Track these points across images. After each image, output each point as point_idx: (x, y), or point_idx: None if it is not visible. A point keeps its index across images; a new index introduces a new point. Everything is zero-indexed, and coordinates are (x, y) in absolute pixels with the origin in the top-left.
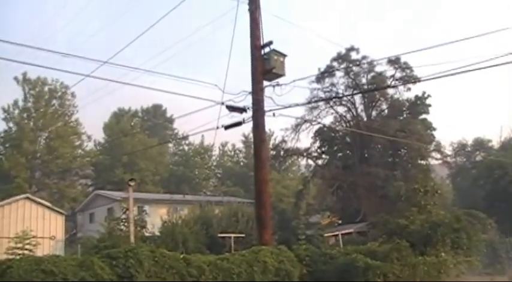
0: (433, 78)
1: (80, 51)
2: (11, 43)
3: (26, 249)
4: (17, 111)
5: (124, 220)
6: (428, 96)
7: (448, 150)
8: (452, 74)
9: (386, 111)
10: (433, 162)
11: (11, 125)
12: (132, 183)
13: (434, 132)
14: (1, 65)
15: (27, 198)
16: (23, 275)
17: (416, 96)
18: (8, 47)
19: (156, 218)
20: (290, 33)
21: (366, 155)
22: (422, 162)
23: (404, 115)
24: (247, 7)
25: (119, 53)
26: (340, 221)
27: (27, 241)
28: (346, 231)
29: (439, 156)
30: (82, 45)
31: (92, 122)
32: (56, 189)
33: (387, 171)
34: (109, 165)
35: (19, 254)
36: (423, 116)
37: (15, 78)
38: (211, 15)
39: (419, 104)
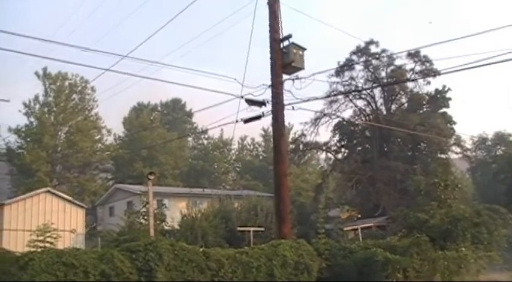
0: (453, 72)
1: (99, 46)
2: (31, 38)
3: (47, 242)
4: (37, 106)
5: (144, 214)
6: (448, 89)
7: (468, 144)
8: (473, 67)
9: (406, 104)
10: (453, 156)
11: (32, 119)
12: (151, 177)
13: (454, 126)
14: (22, 59)
15: (48, 191)
16: (44, 267)
17: (436, 90)
18: (28, 42)
19: (175, 212)
20: (309, 26)
21: (386, 149)
22: (442, 156)
23: (424, 109)
24: (266, 0)
25: (138, 47)
26: (359, 215)
27: (48, 234)
28: (366, 225)
29: (459, 150)
30: (102, 39)
31: (111, 116)
32: (76, 183)
33: (407, 165)
34: (129, 159)
35: (40, 247)
36: (443, 109)
37: (36, 73)
38: (230, 9)
39: (439, 98)
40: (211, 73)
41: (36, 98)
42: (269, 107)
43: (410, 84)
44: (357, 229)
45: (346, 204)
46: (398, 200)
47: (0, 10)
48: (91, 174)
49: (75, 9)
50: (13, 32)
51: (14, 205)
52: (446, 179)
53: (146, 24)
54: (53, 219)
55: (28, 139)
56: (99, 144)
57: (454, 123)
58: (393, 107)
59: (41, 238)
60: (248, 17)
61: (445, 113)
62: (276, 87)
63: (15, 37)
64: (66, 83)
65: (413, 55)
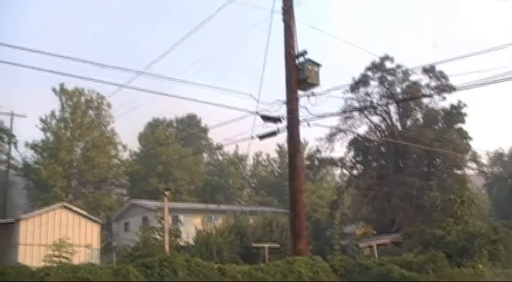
0: (468, 87)
1: (116, 62)
2: (49, 54)
3: (63, 257)
4: (54, 122)
5: (159, 229)
6: (464, 105)
7: (485, 160)
8: (489, 83)
9: (421, 120)
10: (469, 172)
11: (48, 135)
12: (167, 193)
13: (470, 142)
14: (39, 76)
15: (64, 206)
16: None
17: (452, 105)
18: (46, 58)
19: (190, 228)
20: (323, 41)
21: (401, 165)
22: (458, 172)
23: (440, 124)
24: (281, 17)
25: (154, 63)
26: (374, 232)
27: (64, 249)
28: (381, 241)
29: (475, 166)
30: (119, 56)
31: (127, 131)
32: (92, 198)
33: (422, 181)
34: (144, 175)
35: (56, 262)
36: (459, 125)
37: (53, 89)
38: (245, 26)
39: (455, 113)
40: (226, 89)
41: (53, 113)
42: (284, 123)
43: (425, 100)
44: (372, 245)
45: (362, 221)
46: (414, 216)
47: (16, 26)
48: (107, 189)
49: (93, 25)
50: (30, 49)
51: (30, 220)
52: (462, 195)
53: (162, 40)
54: (69, 234)
55: (44, 154)
56: (115, 160)
57: (470, 138)
58: (408, 122)
59: (56, 253)
60: (263, 34)
61: (460, 128)
62: (291, 103)
63: (32, 53)
64: (83, 99)
65: (429, 70)
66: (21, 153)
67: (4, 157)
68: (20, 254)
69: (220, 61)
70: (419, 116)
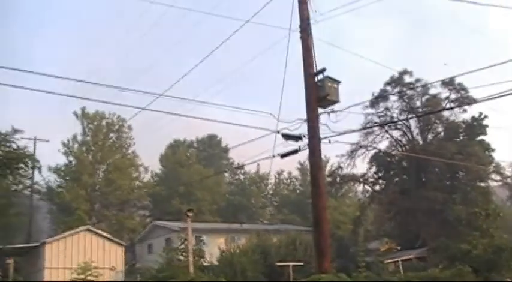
0: (489, 99)
1: (136, 85)
2: (70, 79)
3: (88, 280)
4: (76, 145)
5: (182, 250)
6: (485, 117)
7: (508, 172)
8: (509, 94)
9: (442, 133)
10: (493, 184)
11: (70, 158)
12: (190, 214)
13: (493, 154)
14: (61, 100)
15: (88, 229)
16: None
17: (473, 118)
18: (67, 83)
19: (214, 248)
20: (342, 58)
21: (424, 179)
22: (482, 184)
23: (461, 137)
24: (299, 35)
25: (173, 85)
26: (399, 247)
27: (89, 272)
28: (406, 257)
29: (498, 177)
30: (138, 78)
31: (148, 153)
32: (115, 221)
33: (446, 194)
34: (166, 196)
35: None
36: (481, 137)
37: (74, 113)
38: (263, 45)
39: (476, 125)
40: (246, 109)
41: (75, 137)
42: (305, 141)
43: (446, 113)
44: (397, 261)
45: (385, 236)
46: (439, 230)
47: (36, 51)
48: (129, 211)
49: (112, 49)
50: (52, 74)
51: (54, 244)
52: (487, 207)
53: (181, 62)
54: (93, 257)
55: (67, 178)
56: (137, 182)
57: (493, 150)
58: (429, 136)
59: (81, 276)
60: (282, 53)
61: (482, 140)
62: (312, 121)
63: (53, 79)
64: (104, 122)
65: (448, 83)
66: (45, 178)
67: (28, 182)
68: (45, 278)
69: (239, 81)
70: (440, 129)
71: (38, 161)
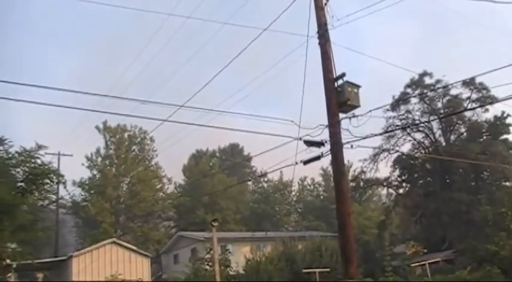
0: (511, 98)
1: (156, 97)
2: (91, 94)
3: None
4: (99, 159)
5: (208, 260)
6: (508, 115)
7: None
8: None
9: (465, 134)
10: None
11: (94, 172)
12: (215, 224)
13: None
14: (83, 115)
15: (114, 242)
16: None
17: (496, 117)
18: (89, 97)
19: (239, 257)
20: (361, 63)
21: (448, 181)
22: (507, 184)
23: (484, 137)
24: (317, 41)
25: (194, 96)
26: (425, 250)
27: None
28: (433, 260)
29: None
30: (158, 90)
31: (171, 164)
32: (140, 233)
33: (471, 195)
34: (190, 207)
35: None
36: (504, 136)
37: (97, 127)
38: (281, 53)
39: (499, 125)
40: (267, 117)
41: (98, 151)
42: (327, 146)
43: (468, 113)
44: (424, 264)
45: (411, 240)
46: (465, 232)
47: (56, 66)
48: (154, 223)
49: (132, 62)
50: (72, 90)
51: (81, 257)
52: None
53: (200, 72)
54: (120, 269)
55: (92, 191)
56: (161, 193)
57: None
58: (452, 137)
59: None
60: (300, 59)
61: (506, 139)
62: (333, 126)
63: (73, 93)
64: (126, 135)
65: (469, 83)
66: (70, 192)
67: (53, 197)
68: None
69: (260, 90)
70: (462, 130)
71: (62, 176)
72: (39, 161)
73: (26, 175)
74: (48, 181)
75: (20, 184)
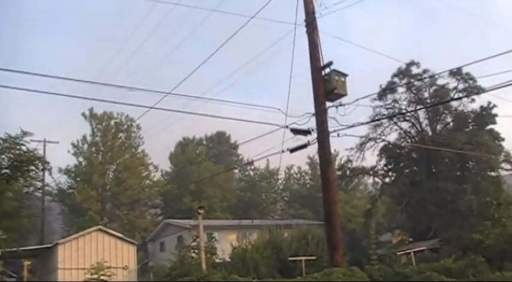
0: (497, 88)
1: (143, 84)
2: (78, 81)
3: (102, 280)
4: (85, 146)
5: (194, 248)
6: (494, 106)
7: None
8: None
9: (451, 124)
10: (503, 173)
11: (80, 159)
12: (201, 211)
13: (502, 143)
14: (69, 102)
15: (100, 230)
16: None
17: (482, 107)
18: (75, 84)
19: (225, 244)
20: (349, 51)
21: (434, 170)
22: (493, 173)
23: (470, 127)
24: (304, 29)
25: (181, 83)
26: (410, 239)
27: (102, 272)
28: (418, 248)
29: (509, 166)
30: (145, 77)
31: (158, 152)
32: (126, 220)
33: (456, 185)
34: (177, 194)
35: None
36: (490, 126)
37: (83, 114)
38: (269, 41)
39: (485, 115)
40: (254, 105)
41: (84, 138)
42: (314, 135)
43: (454, 103)
44: (409, 253)
45: (397, 228)
46: (450, 221)
47: (39, 52)
48: (140, 210)
49: (117, 49)
50: (59, 76)
51: (67, 244)
52: (498, 197)
53: (188, 60)
54: (106, 256)
55: (78, 179)
56: (147, 181)
57: (503, 139)
58: (438, 127)
59: (95, 276)
60: (288, 47)
61: (492, 129)
62: (320, 115)
63: (60, 80)
64: (112, 122)
65: (456, 73)
66: (55, 179)
67: (39, 184)
68: (59, 279)
69: (246, 77)
70: (449, 119)
71: (48, 163)
72: (24, 148)
73: (11, 162)
74: (33, 168)
75: (4, 171)
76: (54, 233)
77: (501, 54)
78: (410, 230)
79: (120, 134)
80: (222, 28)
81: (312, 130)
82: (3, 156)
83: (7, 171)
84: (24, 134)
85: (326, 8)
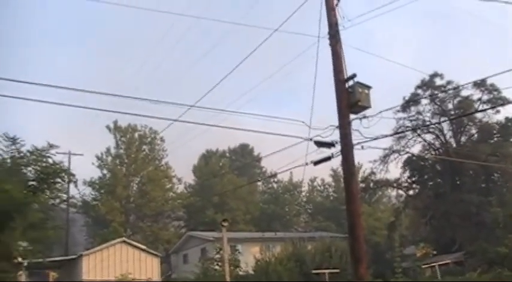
0: None
1: (167, 97)
2: (102, 94)
3: None
4: (109, 158)
5: (218, 260)
6: None
7: None
8: None
9: (476, 135)
10: None
11: (104, 171)
12: (225, 224)
13: None
14: (93, 115)
15: (124, 241)
16: None
17: (507, 118)
18: (99, 97)
19: (249, 257)
20: (372, 63)
21: (458, 182)
22: None
23: (495, 138)
24: (328, 42)
25: (204, 96)
26: (435, 252)
27: None
28: (443, 262)
29: None
30: (170, 90)
31: (181, 164)
32: (150, 232)
33: (481, 197)
34: (200, 207)
35: None
36: None
37: (107, 127)
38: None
39: (510, 126)
40: (278, 117)
41: (108, 150)
42: (338, 147)
43: (478, 114)
44: (434, 266)
45: (421, 241)
46: (475, 234)
47: (66, 66)
48: (164, 222)
49: (142, 62)
50: (84, 89)
51: (91, 256)
52: None
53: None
54: (129, 268)
55: (102, 191)
56: (171, 193)
57: None
58: (463, 138)
59: None
60: (311, 60)
61: None
62: (344, 127)
63: (85, 93)
64: (136, 134)
65: (480, 85)
66: (80, 191)
67: (64, 196)
68: None
69: (270, 90)
70: (473, 131)
71: (73, 175)
72: (50, 160)
73: (38, 174)
74: (59, 180)
75: (31, 183)
76: (78, 244)
77: None
78: (435, 243)
79: (144, 147)
80: (245, 41)
81: (336, 143)
82: (30, 169)
83: (34, 183)
84: (51, 146)
85: (349, 21)
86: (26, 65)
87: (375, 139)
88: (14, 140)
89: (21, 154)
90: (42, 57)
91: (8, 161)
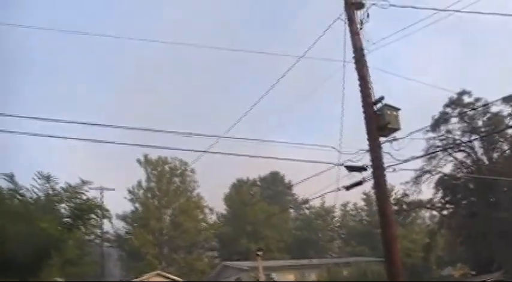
0: None
1: (195, 129)
2: (132, 129)
3: None
4: (141, 192)
5: None
6: None
7: None
8: None
9: (508, 151)
10: None
11: (137, 205)
12: (260, 253)
13: None
14: (124, 149)
15: (158, 274)
16: None
17: None
18: (129, 132)
19: None
20: (399, 85)
21: (492, 200)
22: None
23: None
24: (354, 66)
25: (233, 126)
26: (473, 272)
27: None
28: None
29: None
30: (198, 122)
31: (213, 194)
32: (184, 264)
33: None
34: (233, 236)
35: None
36: None
37: (138, 160)
38: (319, 79)
39: None
40: (307, 144)
41: (140, 184)
42: (369, 171)
43: (510, 130)
44: None
45: (458, 262)
46: None
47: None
48: (197, 253)
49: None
50: (113, 125)
51: None
52: None
53: (238, 102)
54: None
55: (135, 224)
56: (203, 223)
57: None
58: (495, 155)
59: None
60: (338, 84)
61: None
62: (374, 150)
63: (116, 129)
64: (167, 167)
65: (509, 99)
66: (113, 225)
67: (99, 231)
68: None
69: (298, 117)
70: (505, 147)
71: (108, 211)
72: (84, 197)
73: (72, 210)
74: (93, 216)
75: (66, 220)
76: (113, 278)
77: None
78: (472, 263)
79: (175, 179)
80: (268, 70)
81: (367, 166)
82: (64, 205)
83: (69, 220)
84: (84, 183)
85: (374, 44)
86: (47, 101)
87: (407, 161)
88: (48, 178)
89: (55, 191)
90: (64, 93)
91: (43, 198)
